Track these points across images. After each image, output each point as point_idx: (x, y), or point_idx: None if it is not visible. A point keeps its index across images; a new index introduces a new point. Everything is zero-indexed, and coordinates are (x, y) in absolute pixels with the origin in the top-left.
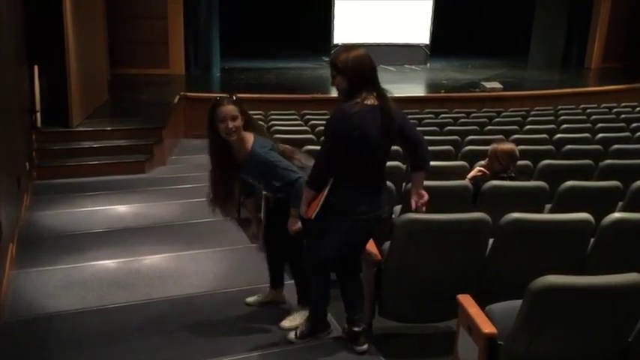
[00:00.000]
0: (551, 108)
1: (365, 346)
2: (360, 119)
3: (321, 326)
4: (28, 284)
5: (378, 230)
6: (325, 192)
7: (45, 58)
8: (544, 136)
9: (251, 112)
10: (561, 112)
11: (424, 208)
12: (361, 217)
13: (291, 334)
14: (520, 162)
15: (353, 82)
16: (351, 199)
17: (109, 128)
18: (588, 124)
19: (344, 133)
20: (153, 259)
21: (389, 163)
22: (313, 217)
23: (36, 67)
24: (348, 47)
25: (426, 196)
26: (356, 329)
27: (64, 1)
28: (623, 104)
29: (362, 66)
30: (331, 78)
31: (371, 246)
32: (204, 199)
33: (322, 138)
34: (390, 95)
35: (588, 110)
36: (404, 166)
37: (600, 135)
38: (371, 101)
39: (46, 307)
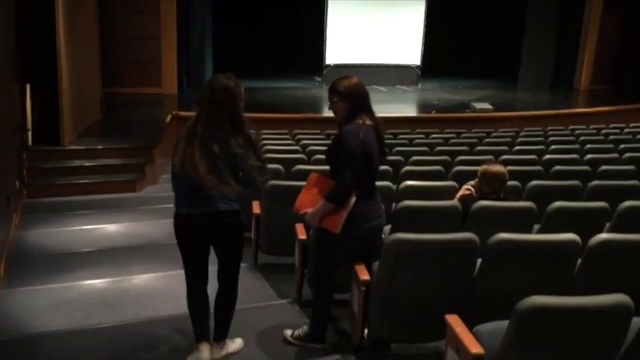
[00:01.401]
0: (540, 129)
1: None
2: (365, 137)
3: (319, 337)
4: (17, 304)
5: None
6: (351, 205)
7: (37, 76)
8: (533, 156)
9: None
10: (550, 133)
11: None
12: (373, 223)
13: (288, 331)
14: (509, 182)
15: (354, 106)
16: (364, 208)
17: (100, 147)
18: (577, 145)
19: (357, 150)
20: (142, 279)
21: (380, 183)
22: (339, 231)
23: (28, 86)
24: (347, 76)
25: None
26: None
27: (57, 20)
28: (611, 125)
29: (361, 92)
30: (331, 103)
31: (360, 267)
32: None
33: (327, 158)
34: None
35: (577, 131)
36: (394, 186)
37: (589, 156)
38: (368, 122)
39: (34, 327)
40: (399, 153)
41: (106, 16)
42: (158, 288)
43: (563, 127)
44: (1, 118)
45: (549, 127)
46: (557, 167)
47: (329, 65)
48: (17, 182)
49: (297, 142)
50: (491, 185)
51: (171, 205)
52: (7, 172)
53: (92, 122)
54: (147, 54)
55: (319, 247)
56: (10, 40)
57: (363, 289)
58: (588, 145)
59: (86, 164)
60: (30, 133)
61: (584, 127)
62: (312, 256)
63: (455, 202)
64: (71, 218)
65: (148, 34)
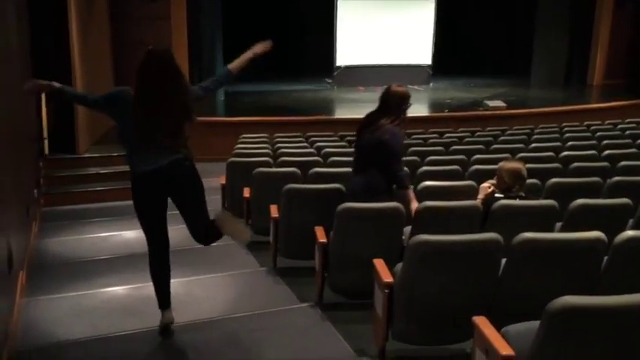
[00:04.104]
0: (555, 125)
1: None
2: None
3: None
4: (39, 312)
5: None
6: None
7: None
8: (550, 153)
9: (256, 134)
10: (566, 129)
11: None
12: None
13: None
14: (528, 180)
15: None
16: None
17: (115, 154)
18: (594, 141)
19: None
20: None
21: None
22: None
23: (43, 95)
24: (396, 85)
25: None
26: None
27: (70, 30)
28: (627, 120)
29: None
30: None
31: (382, 268)
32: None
33: (375, 152)
34: None
35: (593, 127)
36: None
37: (607, 152)
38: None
39: (56, 335)
40: (414, 153)
41: (118, 22)
42: (179, 294)
43: (578, 123)
44: (18, 128)
45: (564, 124)
46: (576, 164)
47: (339, 67)
48: (35, 191)
49: (311, 144)
50: (507, 180)
51: None
52: (26, 182)
53: (107, 130)
54: None
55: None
56: (25, 50)
57: (386, 291)
58: (605, 141)
59: (102, 171)
60: (46, 142)
61: (599, 122)
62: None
63: (476, 202)
64: (89, 226)
65: (159, 41)
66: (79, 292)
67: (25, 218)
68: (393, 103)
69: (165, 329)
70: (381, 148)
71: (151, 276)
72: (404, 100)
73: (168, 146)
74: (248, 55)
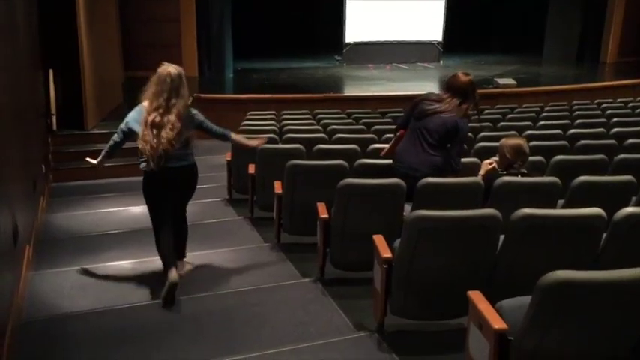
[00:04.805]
0: (565, 103)
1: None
2: None
3: None
4: (45, 285)
5: None
6: None
7: (60, 62)
8: (558, 131)
9: (264, 112)
10: (576, 107)
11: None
12: None
13: None
14: (532, 158)
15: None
16: None
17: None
18: (603, 119)
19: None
20: None
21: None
22: None
23: (51, 72)
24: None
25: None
26: None
27: (77, 6)
28: (639, 98)
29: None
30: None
31: (382, 243)
32: (217, 199)
33: (448, 135)
34: None
35: (603, 105)
36: None
37: (615, 129)
38: None
39: (62, 308)
40: None
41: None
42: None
43: (588, 101)
44: (26, 104)
45: (574, 102)
46: (583, 142)
47: (349, 44)
48: (43, 167)
49: (318, 121)
50: (508, 155)
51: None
52: (34, 157)
53: (115, 106)
54: (167, 37)
55: None
56: (32, 27)
57: (385, 266)
58: (615, 119)
59: None
60: (55, 118)
61: (610, 100)
62: None
63: (477, 178)
64: (96, 201)
65: (167, 17)
66: (85, 266)
67: (32, 193)
68: (470, 90)
69: (171, 291)
70: (456, 131)
71: (157, 245)
72: (475, 88)
73: (179, 153)
74: (248, 142)
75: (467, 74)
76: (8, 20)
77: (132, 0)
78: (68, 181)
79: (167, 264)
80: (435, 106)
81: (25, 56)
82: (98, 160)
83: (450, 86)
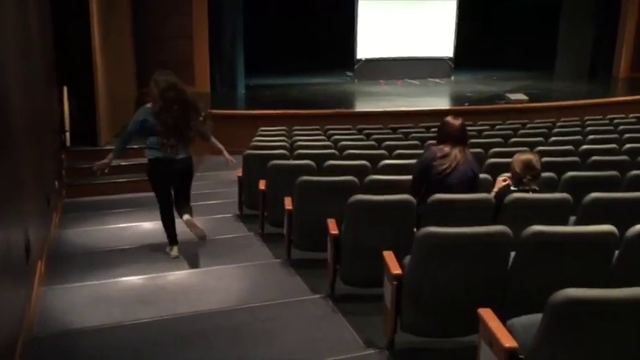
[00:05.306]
0: (577, 119)
1: None
2: None
3: None
4: (56, 301)
5: None
6: None
7: (74, 79)
8: (569, 147)
9: (275, 127)
10: (588, 122)
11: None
12: None
13: None
14: (544, 174)
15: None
16: None
17: (135, 146)
18: (615, 135)
19: None
20: (177, 275)
21: None
22: None
23: (65, 88)
24: (451, 118)
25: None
26: None
27: (92, 24)
28: None
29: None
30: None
31: (392, 260)
32: (228, 214)
33: (468, 183)
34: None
35: (616, 120)
36: None
37: (628, 145)
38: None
39: (73, 323)
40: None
41: (138, 17)
42: (194, 284)
43: (601, 117)
44: (40, 121)
45: (587, 117)
46: (595, 158)
47: (360, 60)
48: (57, 182)
49: (329, 137)
50: (518, 171)
51: (205, 202)
52: (48, 173)
53: (127, 123)
54: (180, 54)
55: None
56: (47, 44)
57: (395, 283)
58: (627, 135)
59: (122, 163)
60: (68, 135)
61: (623, 115)
62: None
63: (488, 195)
64: (108, 217)
65: (180, 34)
66: (96, 282)
67: (45, 209)
68: (465, 131)
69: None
70: (475, 177)
71: (163, 220)
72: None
73: (182, 147)
74: (224, 152)
75: (456, 118)
76: (24, 38)
77: (145, 17)
78: (81, 196)
79: (170, 237)
80: (447, 164)
81: (41, 73)
82: (109, 157)
83: (447, 135)
